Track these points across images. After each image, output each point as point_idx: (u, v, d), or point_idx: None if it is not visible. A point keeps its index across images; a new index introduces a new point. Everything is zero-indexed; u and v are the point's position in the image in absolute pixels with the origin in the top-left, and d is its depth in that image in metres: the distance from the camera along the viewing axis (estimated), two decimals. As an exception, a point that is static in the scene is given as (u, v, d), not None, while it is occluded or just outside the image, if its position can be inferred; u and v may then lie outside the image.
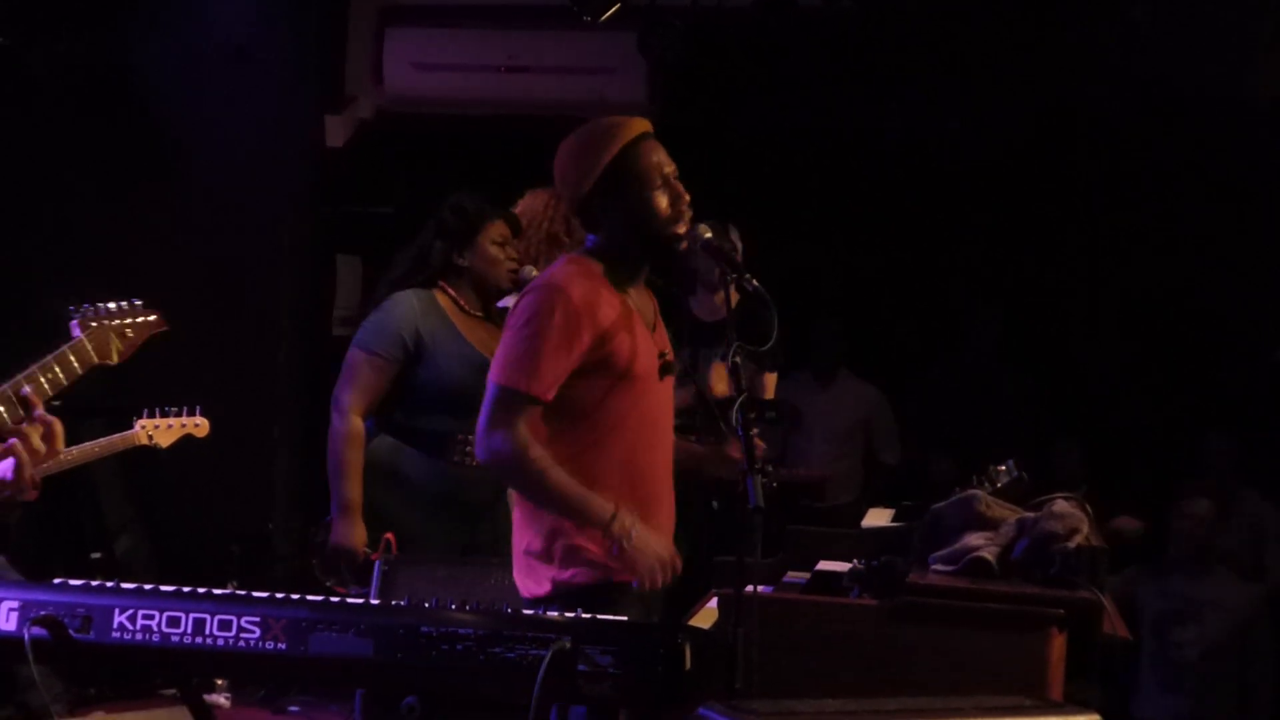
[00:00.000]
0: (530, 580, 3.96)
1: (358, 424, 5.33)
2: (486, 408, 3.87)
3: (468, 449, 5.31)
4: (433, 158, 8.89)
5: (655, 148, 4.01)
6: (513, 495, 4.19)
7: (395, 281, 5.50)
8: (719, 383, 6.96)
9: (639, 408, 3.93)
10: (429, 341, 5.32)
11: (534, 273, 5.47)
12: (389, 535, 5.25)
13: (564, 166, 4.02)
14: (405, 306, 5.37)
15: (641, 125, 4.03)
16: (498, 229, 5.46)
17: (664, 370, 4.05)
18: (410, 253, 5.53)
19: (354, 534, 5.26)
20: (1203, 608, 7.06)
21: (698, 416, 6.22)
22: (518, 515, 4.06)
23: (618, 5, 7.90)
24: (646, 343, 3.99)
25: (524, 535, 4.01)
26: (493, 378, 3.89)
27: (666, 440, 4.11)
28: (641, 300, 4.06)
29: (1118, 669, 7.03)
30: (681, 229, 3.96)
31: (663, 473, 4.05)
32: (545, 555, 3.93)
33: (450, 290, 5.45)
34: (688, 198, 3.99)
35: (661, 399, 4.06)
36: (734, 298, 3.91)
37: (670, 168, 3.99)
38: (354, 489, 5.29)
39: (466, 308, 5.45)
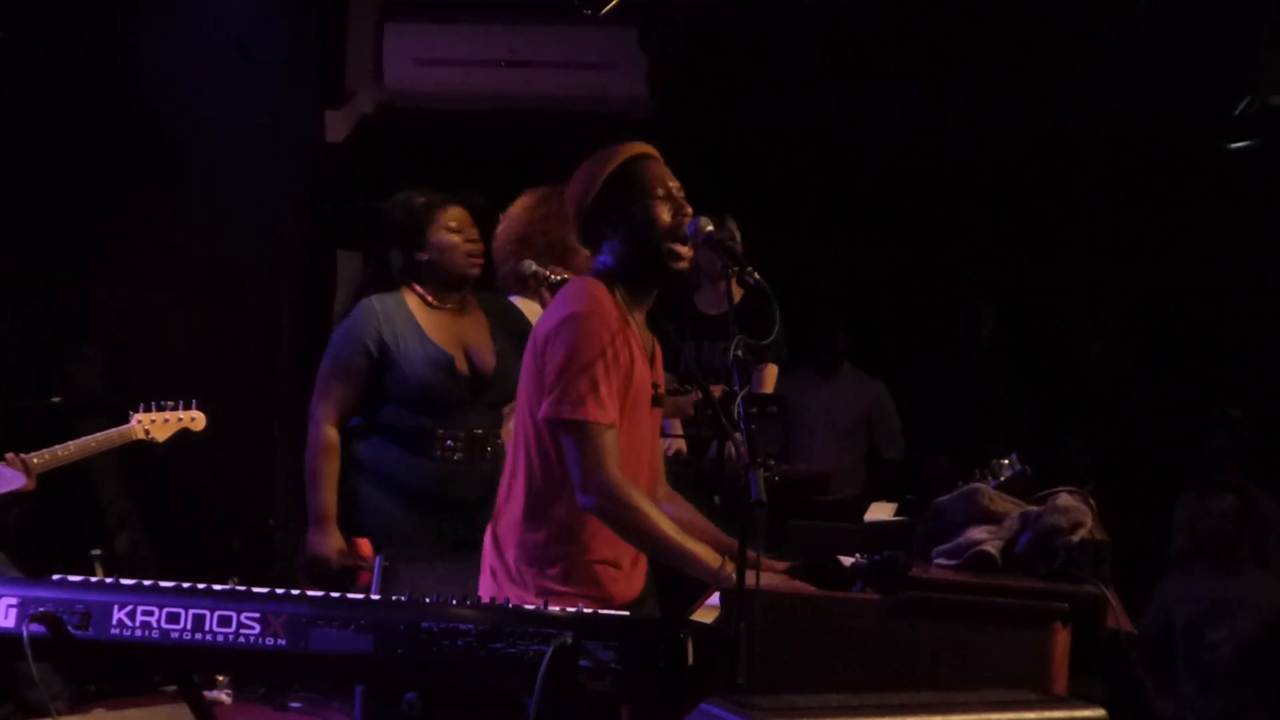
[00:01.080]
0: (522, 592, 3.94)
1: (330, 434, 5.36)
2: (574, 454, 3.81)
3: (448, 444, 5.33)
4: (433, 153, 8.88)
5: (659, 164, 4.02)
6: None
7: (361, 291, 5.53)
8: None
9: (624, 436, 3.90)
10: (393, 345, 5.34)
11: (533, 267, 5.46)
12: (358, 541, 5.27)
13: (571, 189, 4.05)
14: (368, 313, 5.40)
15: (645, 146, 4.05)
16: (448, 215, 5.45)
17: (654, 402, 4.04)
18: (372, 261, 5.58)
19: (328, 542, 5.35)
20: (1233, 606, 7.00)
21: (700, 413, 6.21)
22: (505, 530, 4.03)
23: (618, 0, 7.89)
24: (644, 372, 3.98)
25: (510, 550, 3.99)
26: (558, 414, 3.81)
27: (651, 469, 4.10)
28: (642, 329, 4.05)
29: (1122, 663, 7.00)
30: (684, 247, 3.95)
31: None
32: (534, 574, 3.91)
33: (418, 288, 5.45)
34: (690, 211, 3.98)
35: (649, 430, 4.06)
36: (736, 292, 3.89)
37: (674, 183, 3.99)
38: (326, 498, 5.35)
39: (434, 302, 5.45)
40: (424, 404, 5.33)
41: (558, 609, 3.34)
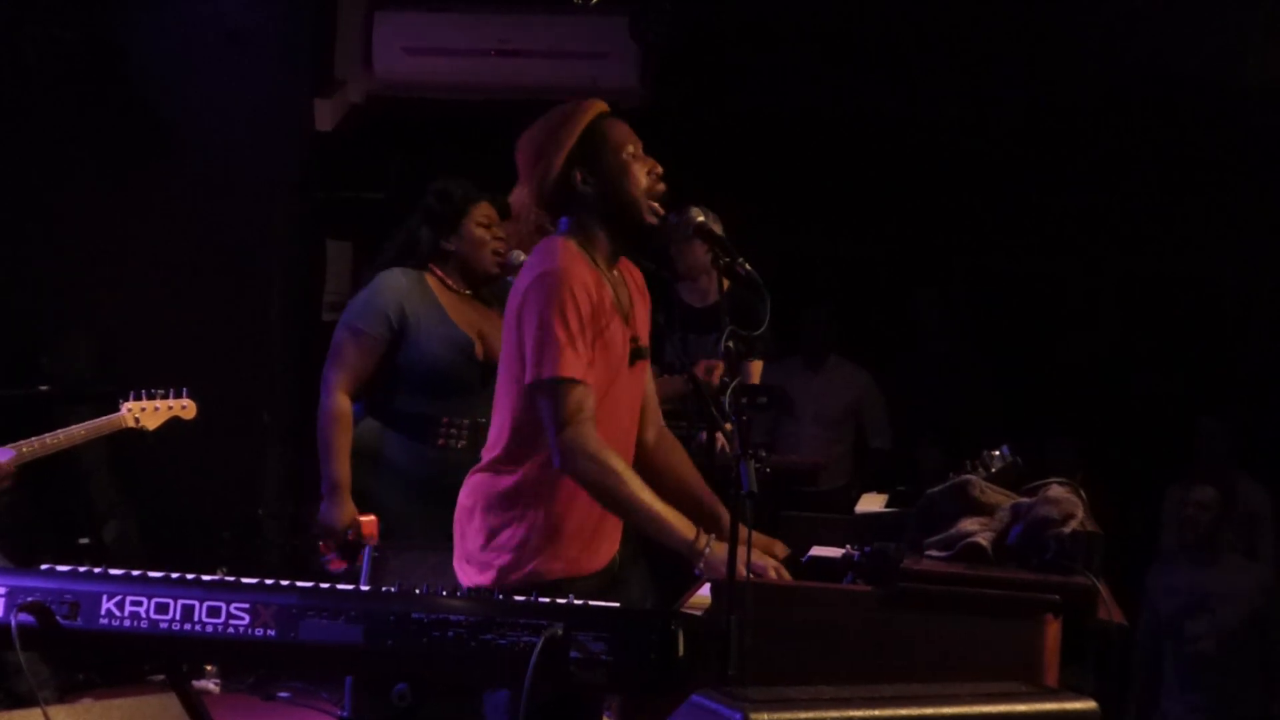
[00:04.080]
0: (473, 569, 3.93)
1: (344, 403, 5.32)
2: (548, 413, 3.78)
3: (451, 432, 5.30)
4: (423, 142, 8.87)
5: (622, 123, 4.00)
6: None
7: (381, 265, 5.50)
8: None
9: (604, 397, 3.88)
10: (414, 321, 5.31)
11: (522, 258, 5.44)
12: (363, 518, 5.24)
13: (532, 147, 3.98)
14: (392, 285, 5.37)
15: (603, 104, 4.02)
16: (482, 211, 5.46)
17: (634, 355, 4.00)
18: (398, 240, 5.53)
19: (340, 513, 5.27)
20: (1213, 599, 6.98)
21: (689, 405, 6.21)
22: (461, 505, 4.03)
23: (610, -12, 7.90)
24: (620, 330, 3.95)
25: (468, 526, 3.98)
26: (535, 375, 3.79)
27: (631, 428, 4.07)
28: (616, 283, 4.02)
29: (1113, 656, 6.99)
30: (655, 203, 3.94)
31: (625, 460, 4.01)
32: (489, 549, 3.90)
33: (438, 272, 5.45)
34: (660, 170, 3.97)
35: (630, 386, 4.01)
36: (724, 283, 3.88)
37: (639, 143, 3.97)
38: (341, 468, 5.29)
39: (454, 287, 5.44)
40: (434, 387, 5.30)
41: (548, 600, 3.34)
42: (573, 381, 3.76)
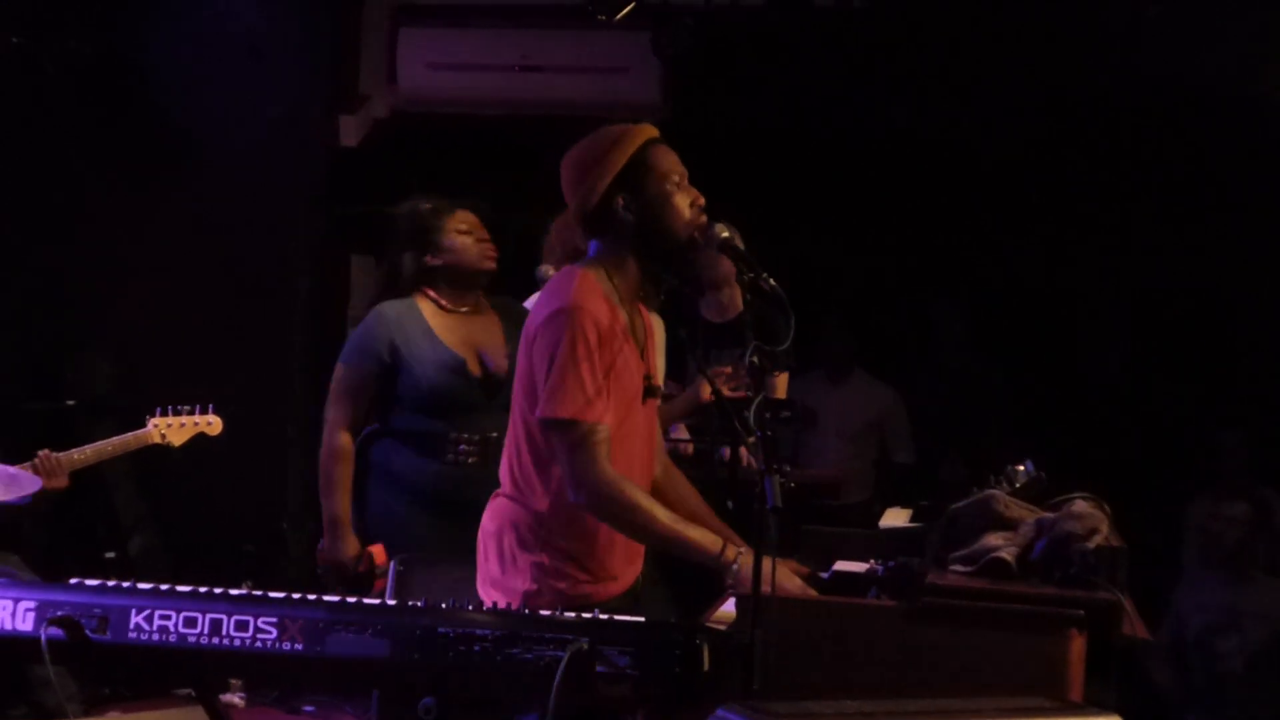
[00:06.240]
0: (497, 593, 3.95)
1: (344, 439, 5.39)
2: (563, 453, 3.80)
3: (461, 448, 5.33)
4: (447, 157, 8.88)
5: (670, 151, 3.99)
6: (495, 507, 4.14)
7: (375, 298, 5.54)
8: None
9: (620, 430, 3.89)
10: (405, 351, 5.34)
11: (551, 271, 5.46)
12: (371, 548, 5.29)
13: (576, 167, 3.97)
14: (380, 320, 5.41)
15: (653, 130, 4.02)
16: (458, 219, 5.48)
17: (647, 393, 4.02)
18: (382, 271, 5.59)
19: (342, 548, 5.34)
20: (1245, 617, 6.94)
21: (712, 419, 6.21)
22: (484, 530, 4.05)
23: (633, 4, 7.90)
24: (635, 362, 3.96)
25: (491, 551, 4.00)
26: (547, 414, 3.80)
27: (646, 463, 4.08)
28: (635, 318, 4.03)
29: (1137, 670, 6.96)
30: (698, 233, 3.94)
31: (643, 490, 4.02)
32: (513, 573, 3.93)
33: (430, 293, 5.46)
34: (703, 201, 3.97)
35: (643, 422, 4.02)
36: (747, 298, 3.88)
37: (685, 172, 3.98)
38: (340, 504, 5.37)
39: (448, 306, 5.45)
40: (437, 407, 5.34)
41: (573, 615, 3.35)
42: (586, 423, 3.78)
